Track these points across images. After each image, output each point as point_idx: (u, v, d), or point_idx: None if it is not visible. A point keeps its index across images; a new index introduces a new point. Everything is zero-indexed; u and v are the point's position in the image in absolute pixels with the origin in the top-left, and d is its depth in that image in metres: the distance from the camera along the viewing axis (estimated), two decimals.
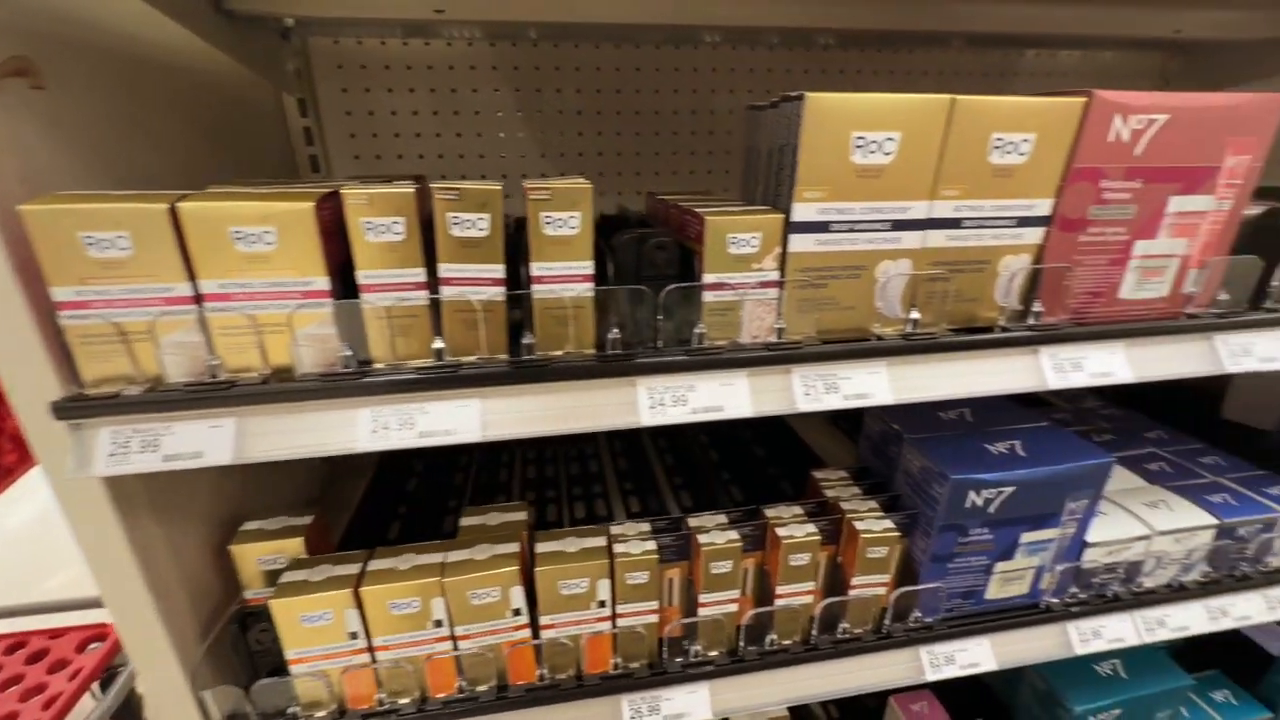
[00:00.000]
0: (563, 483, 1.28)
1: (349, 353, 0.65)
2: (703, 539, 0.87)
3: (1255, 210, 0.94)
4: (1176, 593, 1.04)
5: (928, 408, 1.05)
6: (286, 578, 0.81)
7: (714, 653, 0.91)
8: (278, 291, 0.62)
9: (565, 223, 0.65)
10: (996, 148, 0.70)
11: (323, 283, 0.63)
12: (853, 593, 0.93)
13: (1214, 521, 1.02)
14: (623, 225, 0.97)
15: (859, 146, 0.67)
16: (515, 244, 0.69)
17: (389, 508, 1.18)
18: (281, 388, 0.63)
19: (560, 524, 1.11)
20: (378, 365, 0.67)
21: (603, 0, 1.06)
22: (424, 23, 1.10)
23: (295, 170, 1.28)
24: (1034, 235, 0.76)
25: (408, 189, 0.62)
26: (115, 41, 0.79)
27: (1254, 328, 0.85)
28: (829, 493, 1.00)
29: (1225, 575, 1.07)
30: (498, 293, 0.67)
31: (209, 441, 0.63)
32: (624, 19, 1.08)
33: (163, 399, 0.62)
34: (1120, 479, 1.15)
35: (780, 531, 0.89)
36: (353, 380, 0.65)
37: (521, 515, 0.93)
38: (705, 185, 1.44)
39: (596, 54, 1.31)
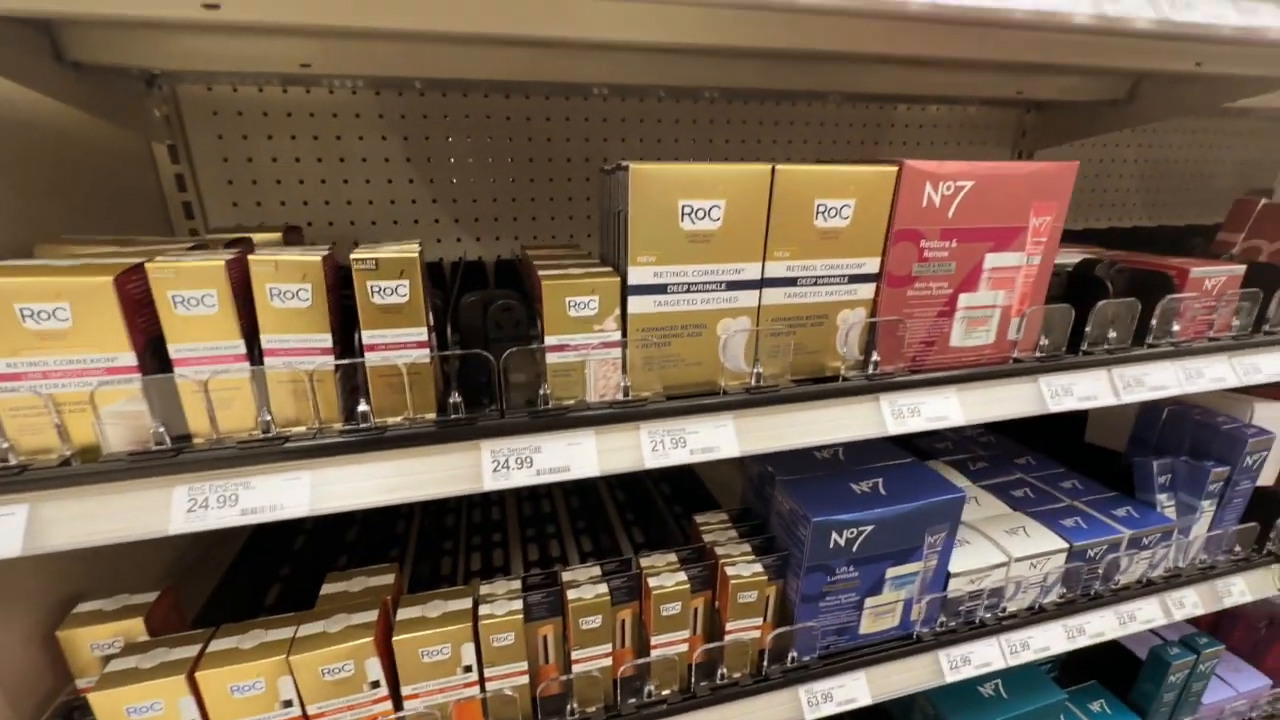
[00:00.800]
0: (461, 532, 1.25)
1: (161, 429, 0.62)
2: (572, 594, 0.86)
3: (1071, 260, 1.04)
4: (1036, 615, 1.10)
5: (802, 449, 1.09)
6: (114, 665, 0.75)
7: (591, 708, 0.90)
8: (77, 369, 0.59)
9: (394, 290, 0.65)
10: (820, 213, 0.75)
11: (128, 358, 0.60)
12: (728, 637, 0.94)
13: (1065, 545, 1.10)
14: (509, 272, 0.98)
15: (687, 214, 0.70)
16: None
17: (269, 571, 1.12)
18: (80, 469, 0.60)
19: (453, 578, 1.08)
20: (196, 441, 0.64)
21: (481, 59, 1.08)
22: (293, 75, 1.09)
23: (168, 218, 1.23)
24: (866, 290, 0.82)
25: (218, 260, 0.61)
26: None
27: (1072, 369, 0.93)
28: (708, 537, 1.01)
29: (1079, 595, 1.14)
30: (326, 361, 0.65)
31: None
32: (508, 76, 1.10)
33: None
34: (987, 506, 1.22)
35: (652, 581, 0.90)
36: (166, 458, 0.62)
37: (388, 579, 0.90)
38: (591, 233, 1.47)
39: (485, 103, 1.32)
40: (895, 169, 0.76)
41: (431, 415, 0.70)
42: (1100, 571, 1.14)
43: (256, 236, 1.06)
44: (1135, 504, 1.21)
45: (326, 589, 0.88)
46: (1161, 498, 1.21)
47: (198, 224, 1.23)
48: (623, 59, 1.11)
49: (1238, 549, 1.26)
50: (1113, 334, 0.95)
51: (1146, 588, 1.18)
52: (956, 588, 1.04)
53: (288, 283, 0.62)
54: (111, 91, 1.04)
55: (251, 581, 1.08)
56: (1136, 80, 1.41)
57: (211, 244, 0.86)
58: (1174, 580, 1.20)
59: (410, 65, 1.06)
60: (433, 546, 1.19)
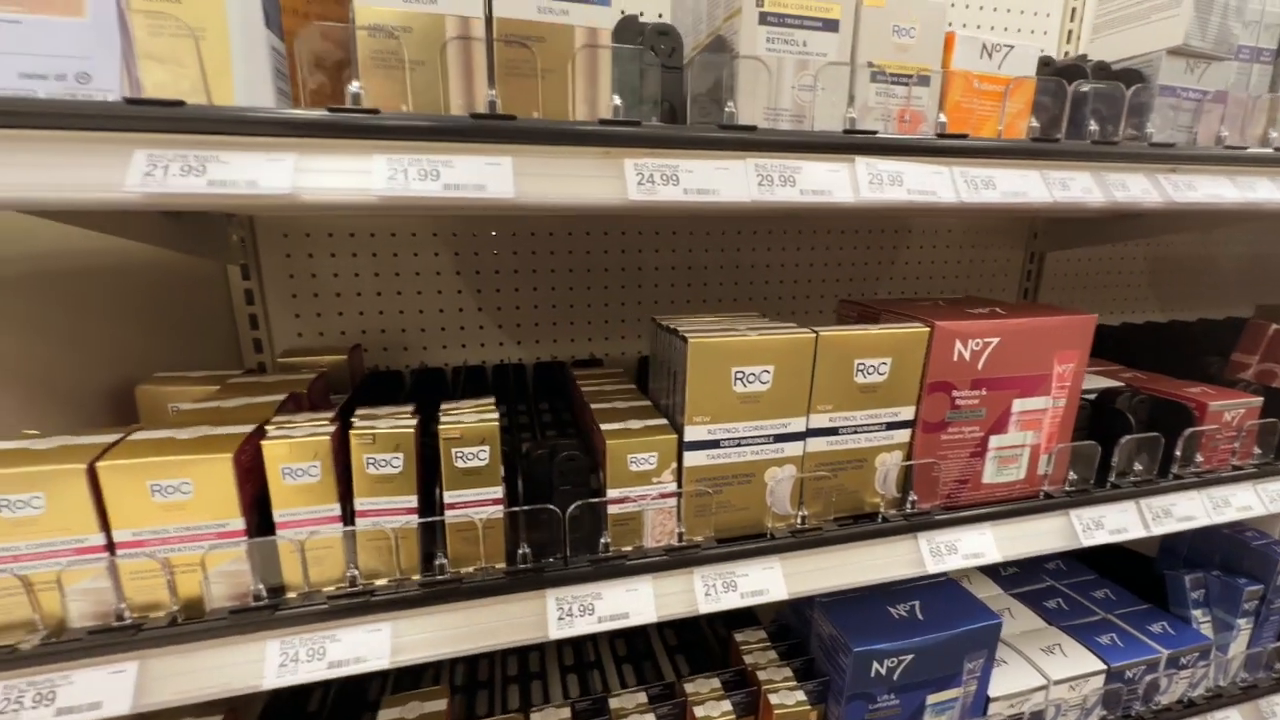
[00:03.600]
0: (496, 659, 1.22)
1: (260, 586, 0.68)
2: None
3: (1093, 386, 1.09)
4: None
5: None
6: None
7: None
8: (193, 535, 0.65)
9: (475, 455, 0.71)
10: (860, 370, 0.81)
11: (238, 523, 0.66)
12: None
13: (1103, 666, 1.10)
14: (549, 378, 1.04)
15: (739, 378, 0.77)
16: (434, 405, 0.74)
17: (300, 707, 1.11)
18: (188, 628, 0.65)
19: (492, 709, 1.07)
20: (289, 595, 0.70)
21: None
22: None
23: (235, 332, 1.32)
24: (902, 435, 0.87)
25: (324, 433, 0.67)
26: (52, 262, 0.84)
27: (1102, 502, 0.96)
28: (748, 658, 1.04)
29: (1120, 717, 1.13)
30: (411, 520, 0.71)
31: (108, 689, 0.63)
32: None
33: (64, 649, 0.63)
34: (1021, 619, 1.23)
35: (698, 711, 0.92)
36: (264, 614, 0.67)
37: (440, 704, 0.93)
38: (639, 347, 1.53)
39: (537, 222, 1.43)
40: (928, 330, 0.83)
41: (502, 565, 0.75)
42: (1140, 692, 1.13)
43: (325, 359, 1.15)
44: (1170, 619, 1.22)
45: (384, 714, 0.91)
46: (1196, 613, 1.22)
47: (262, 334, 1.32)
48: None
49: (1279, 666, 1.25)
50: (1138, 466, 0.99)
51: (1189, 709, 1.17)
52: (996, 712, 1.05)
53: (383, 453, 0.68)
54: (199, 229, 1.15)
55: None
56: None
57: (289, 369, 0.94)
58: (1216, 700, 1.19)
59: (470, 218, 1.16)
60: (470, 679, 1.17)
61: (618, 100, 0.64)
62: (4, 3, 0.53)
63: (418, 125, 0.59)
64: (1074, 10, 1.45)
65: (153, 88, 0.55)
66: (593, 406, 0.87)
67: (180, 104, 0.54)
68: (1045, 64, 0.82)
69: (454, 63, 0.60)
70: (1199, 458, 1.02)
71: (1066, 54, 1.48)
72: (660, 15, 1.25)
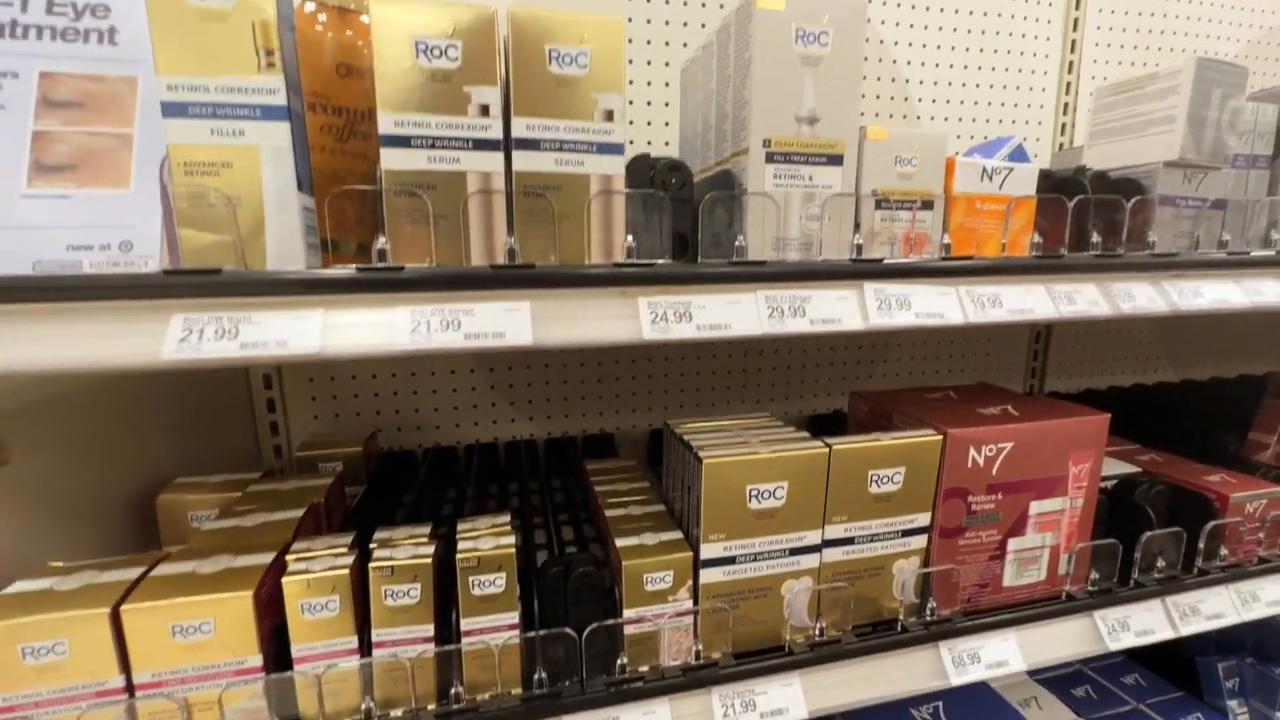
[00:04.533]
0: None
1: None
2: None
3: (1109, 479, 1.08)
4: None
5: None
6: None
7: None
8: (211, 674, 0.65)
9: (492, 583, 0.71)
10: (874, 481, 0.81)
11: (255, 660, 0.66)
12: None
13: None
14: (561, 455, 1.04)
15: (754, 496, 0.77)
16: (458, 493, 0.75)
17: None
18: None
19: None
20: None
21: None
22: None
23: (253, 425, 1.34)
24: (919, 541, 0.86)
25: (343, 566, 0.68)
26: (71, 381, 0.87)
27: (1126, 602, 0.94)
28: None
29: None
30: (428, 649, 0.71)
31: None
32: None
33: None
34: (1049, 710, 1.19)
35: None
36: None
37: None
38: (650, 420, 1.54)
39: None
40: (941, 438, 0.83)
41: (518, 690, 0.74)
42: None
43: (341, 451, 1.16)
44: (1205, 709, 1.18)
45: None
46: (1232, 704, 1.18)
47: (280, 427, 1.34)
48: None
49: None
50: (1161, 561, 0.98)
51: None
52: None
53: (401, 584, 0.69)
54: None
55: None
56: None
57: (307, 465, 0.96)
58: None
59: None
60: None
61: (631, 241, 0.66)
62: (56, 179, 0.57)
63: (440, 277, 0.61)
64: (1066, 105, 1.50)
65: (190, 253, 0.58)
66: (608, 514, 0.87)
67: (217, 272, 0.56)
68: (1045, 176, 0.84)
69: (475, 214, 0.63)
70: (1223, 550, 1.01)
71: (1061, 145, 1.52)
72: (667, 143, 1.31)
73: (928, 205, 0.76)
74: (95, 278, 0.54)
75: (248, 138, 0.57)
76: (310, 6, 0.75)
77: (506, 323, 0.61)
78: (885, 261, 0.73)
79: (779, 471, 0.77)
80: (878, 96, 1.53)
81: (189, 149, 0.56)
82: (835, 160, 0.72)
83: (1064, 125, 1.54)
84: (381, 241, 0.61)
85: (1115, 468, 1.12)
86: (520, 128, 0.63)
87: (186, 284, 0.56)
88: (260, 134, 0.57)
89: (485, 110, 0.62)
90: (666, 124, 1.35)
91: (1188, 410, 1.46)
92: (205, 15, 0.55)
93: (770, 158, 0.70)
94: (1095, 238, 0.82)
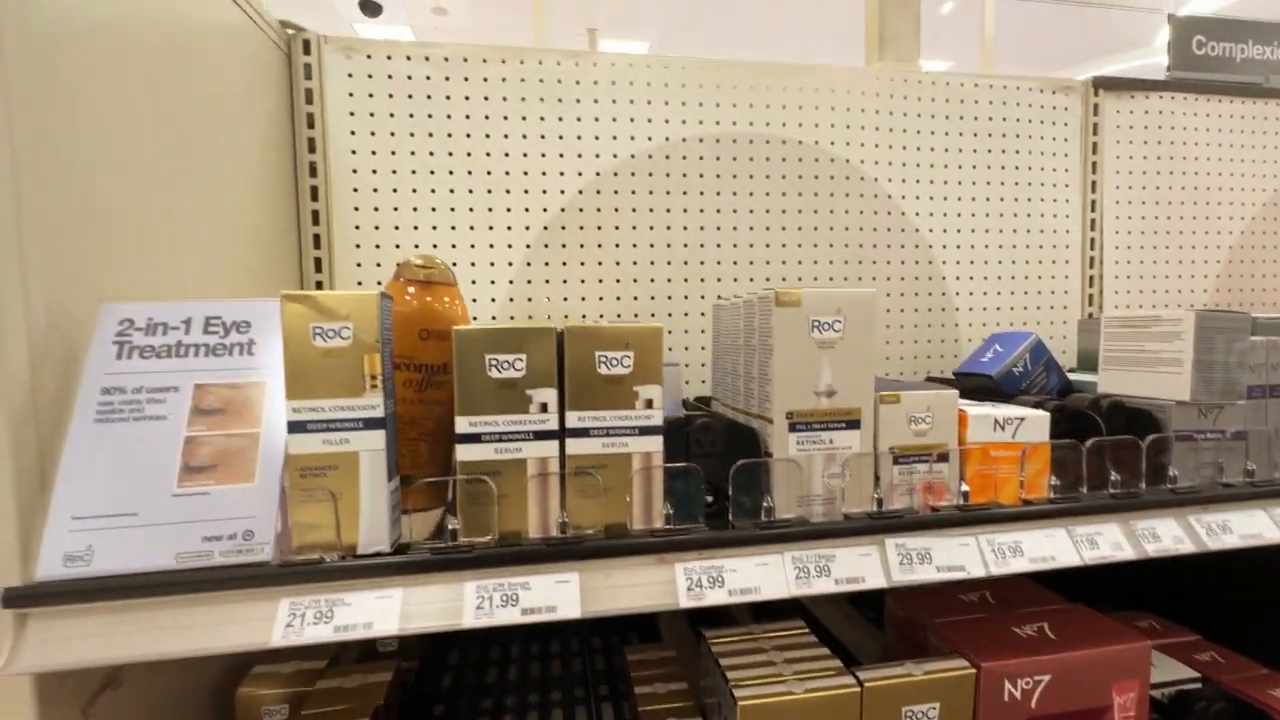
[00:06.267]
0: None
1: None
2: None
3: (1163, 686, 1.04)
4: None
5: None
6: None
7: None
8: None
9: None
10: (908, 717, 0.83)
11: None
12: None
13: None
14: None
15: None
16: None
17: None
18: None
19: None
20: None
21: None
22: None
23: None
24: None
25: None
26: None
27: None
28: None
29: None
30: None
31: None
32: None
33: None
34: None
35: None
36: None
37: None
38: None
39: None
40: (974, 671, 0.85)
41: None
42: None
43: None
44: None
45: None
46: None
47: None
48: None
49: None
50: None
51: None
52: None
53: None
54: None
55: None
56: None
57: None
58: None
59: None
60: None
61: (669, 509, 0.75)
62: (199, 479, 0.69)
63: (504, 555, 0.70)
64: (1091, 278, 1.56)
65: (298, 540, 0.69)
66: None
67: (320, 562, 0.67)
68: (1059, 410, 0.90)
69: (533, 492, 0.73)
70: None
71: (1090, 314, 1.57)
72: (704, 382, 1.46)
73: (943, 458, 0.82)
74: (225, 569, 0.66)
75: (351, 444, 0.69)
76: (408, 289, 0.90)
77: (558, 596, 0.69)
78: (905, 516, 0.79)
79: (815, 713, 0.80)
80: (902, 278, 1.63)
81: (305, 457, 0.69)
82: (853, 424, 0.79)
83: (1090, 295, 1.59)
84: (453, 523, 0.71)
85: (1168, 670, 1.08)
86: (573, 419, 0.73)
87: (295, 573, 0.66)
88: (361, 441, 0.69)
89: (544, 407, 0.73)
90: (703, 331, 1.49)
91: (1239, 587, 1.39)
92: (326, 354, 0.69)
93: (793, 427, 0.78)
94: (1114, 475, 0.85)
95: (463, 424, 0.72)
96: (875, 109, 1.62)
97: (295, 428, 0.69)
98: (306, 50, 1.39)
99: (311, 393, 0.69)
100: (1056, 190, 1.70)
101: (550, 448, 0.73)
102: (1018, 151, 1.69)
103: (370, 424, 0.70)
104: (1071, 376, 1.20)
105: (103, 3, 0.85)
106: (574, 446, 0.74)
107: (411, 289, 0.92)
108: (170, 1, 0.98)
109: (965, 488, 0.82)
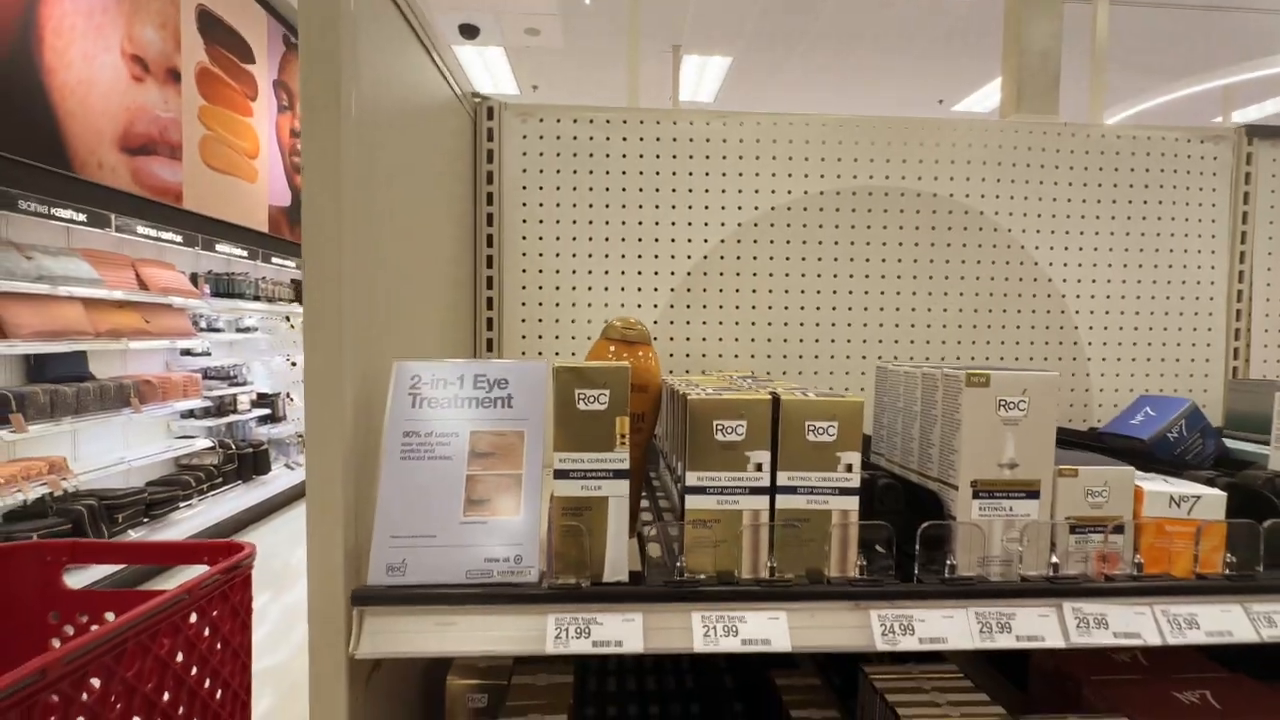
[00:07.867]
0: None
1: None
2: None
3: None
4: None
5: None
6: None
7: None
8: None
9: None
10: None
11: None
12: None
13: None
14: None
15: None
16: None
17: None
18: None
19: None
20: None
21: None
22: None
23: None
24: None
25: None
26: None
27: None
28: None
29: None
30: None
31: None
32: None
33: None
34: None
35: None
36: None
37: None
38: None
39: None
40: None
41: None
42: None
43: None
44: None
45: None
46: None
47: None
48: None
49: None
50: None
51: None
52: None
53: None
54: None
55: None
56: None
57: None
58: None
59: None
60: None
61: (863, 561, 0.85)
62: (479, 510, 0.86)
63: (721, 592, 0.82)
64: (1238, 330, 1.53)
65: (558, 566, 0.84)
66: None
67: (578, 586, 0.82)
68: (1231, 487, 0.93)
69: (746, 539, 0.85)
70: None
71: (1235, 371, 1.54)
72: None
73: (1119, 529, 0.88)
74: (504, 586, 0.82)
75: (603, 490, 0.84)
76: (611, 348, 1.05)
77: (770, 630, 0.81)
78: (1081, 582, 0.85)
79: None
80: (1033, 326, 1.66)
81: (567, 499, 0.84)
82: (1033, 494, 0.87)
83: (1236, 349, 1.56)
84: (681, 560, 0.84)
85: None
86: (783, 478, 0.85)
87: (558, 595, 0.81)
88: (611, 488, 0.84)
89: (760, 467, 0.85)
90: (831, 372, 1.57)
91: None
92: (587, 415, 0.84)
93: (976, 494, 0.87)
94: None
95: (692, 478, 0.85)
96: (1012, 161, 1.65)
97: (560, 474, 0.84)
98: (489, 116, 1.59)
99: (575, 446, 0.84)
100: (1202, 241, 1.68)
101: (762, 501, 0.85)
102: (1160, 202, 1.67)
103: (619, 474, 0.84)
104: (1228, 443, 1.21)
105: (398, 83, 1.04)
106: (782, 501, 0.85)
107: (613, 347, 1.07)
108: (417, 82, 1.17)
109: (1139, 559, 0.87)
